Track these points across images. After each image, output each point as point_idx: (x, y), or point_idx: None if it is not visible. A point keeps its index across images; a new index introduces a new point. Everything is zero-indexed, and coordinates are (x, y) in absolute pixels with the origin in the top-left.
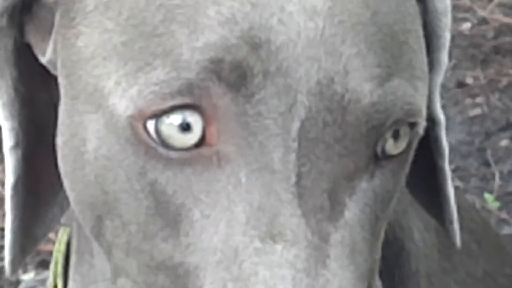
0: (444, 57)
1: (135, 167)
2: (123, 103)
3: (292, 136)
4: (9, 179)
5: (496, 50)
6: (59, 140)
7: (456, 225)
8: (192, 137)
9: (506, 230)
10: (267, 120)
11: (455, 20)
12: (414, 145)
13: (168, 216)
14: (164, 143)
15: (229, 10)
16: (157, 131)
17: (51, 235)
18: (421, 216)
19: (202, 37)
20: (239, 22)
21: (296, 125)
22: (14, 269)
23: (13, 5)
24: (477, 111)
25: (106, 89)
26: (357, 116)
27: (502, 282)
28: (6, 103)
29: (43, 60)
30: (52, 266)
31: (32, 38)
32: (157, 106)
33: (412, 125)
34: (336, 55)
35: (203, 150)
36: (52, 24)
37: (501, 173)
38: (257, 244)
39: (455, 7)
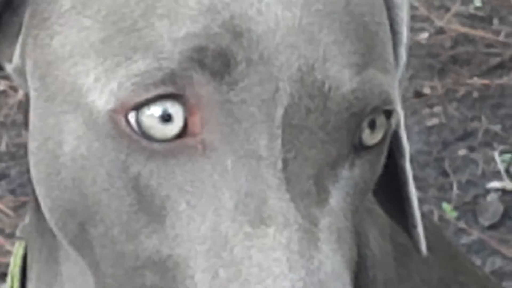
0: (402, 53)
1: (116, 162)
2: (103, 98)
3: (276, 123)
4: None
5: (454, 59)
6: (31, 146)
7: (420, 229)
8: (173, 128)
9: (464, 240)
10: (252, 108)
11: (413, 30)
12: (389, 137)
13: (152, 210)
14: (146, 135)
15: (210, 1)
16: (138, 123)
17: (9, 247)
18: (377, 223)
19: (184, 27)
20: (220, 12)
21: (279, 112)
22: None
23: None
24: (434, 120)
25: (85, 87)
26: (338, 102)
27: None
28: None
29: (9, 67)
30: (9, 280)
31: None
32: (139, 97)
33: (388, 115)
34: (315, 43)
35: (187, 140)
36: (20, 27)
37: (459, 182)
38: (247, 229)
39: (413, 17)
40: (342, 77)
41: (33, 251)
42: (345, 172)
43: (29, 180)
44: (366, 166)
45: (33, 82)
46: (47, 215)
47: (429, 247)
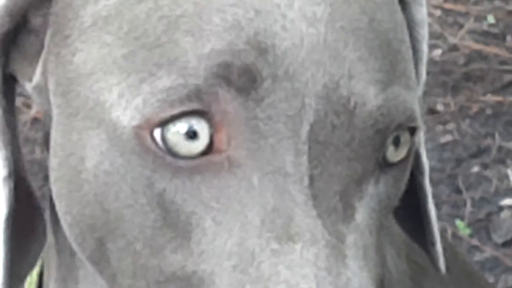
0: (422, 70)
1: (141, 179)
2: (127, 114)
3: (303, 139)
4: (2, 211)
5: (467, 76)
6: (53, 162)
7: (438, 247)
8: (199, 145)
9: (477, 257)
10: (278, 124)
11: None
12: (412, 154)
13: (177, 226)
14: (171, 152)
15: (234, 17)
16: (164, 139)
17: None
18: (393, 241)
19: (209, 44)
20: (245, 28)
21: (305, 128)
22: None
23: (2, 33)
24: (448, 137)
25: (108, 103)
26: (364, 119)
27: None
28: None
29: (29, 86)
30: None
31: (18, 65)
32: (165, 113)
33: (412, 132)
34: (340, 59)
35: (212, 157)
36: (41, 47)
37: (472, 199)
38: (274, 245)
39: None
40: (367, 93)
41: (50, 269)
42: (370, 189)
43: (43, 197)
44: (390, 182)
45: (55, 99)
46: (66, 230)
47: (445, 266)
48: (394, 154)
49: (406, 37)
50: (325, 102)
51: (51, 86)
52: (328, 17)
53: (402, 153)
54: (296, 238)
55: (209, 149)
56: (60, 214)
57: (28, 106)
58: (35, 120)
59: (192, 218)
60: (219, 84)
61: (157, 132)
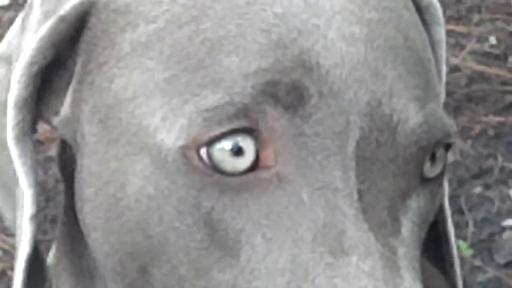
0: (442, 90)
1: (188, 198)
2: (172, 136)
3: (350, 155)
4: (24, 250)
5: (469, 97)
6: (87, 192)
7: (457, 268)
8: (245, 161)
9: (480, 278)
10: (325, 140)
11: None
12: (445, 169)
13: (226, 244)
14: (217, 169)
15: (278, 36)
16: (210, 157)
17: None
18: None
19: (255, 62)
20: (289, 47)
21: (352, 144)
22: None
23: (35, 74)
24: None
25: (152, 127)
26: (406, 136)
27: None
28: (28, 171)
29: (56, 120)
30: None
31: (45, 100)
32: (213, 132)
33: (447, 148)
34: (381, 77)
35: (260, 173)
36: (69, 78)
37: (474, 220)
38: (328, 259)
39: None
40: (408, 111)
41: None
42: (413, 203)
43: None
44: (428, 197)
45: (90, 128)
46: (102, 260)
47: None
48: (430, 170)
49: (432, 57)
50: (369, 119)
51: (84, 115)
52: (366, 37)
53: (438, 168)
54: (350, 251)
55: (256, 165)
56: (94, 244)
57: None
58: (36, 142)
59: (241, 235)
60: (267, 102)
61: (203, 151)
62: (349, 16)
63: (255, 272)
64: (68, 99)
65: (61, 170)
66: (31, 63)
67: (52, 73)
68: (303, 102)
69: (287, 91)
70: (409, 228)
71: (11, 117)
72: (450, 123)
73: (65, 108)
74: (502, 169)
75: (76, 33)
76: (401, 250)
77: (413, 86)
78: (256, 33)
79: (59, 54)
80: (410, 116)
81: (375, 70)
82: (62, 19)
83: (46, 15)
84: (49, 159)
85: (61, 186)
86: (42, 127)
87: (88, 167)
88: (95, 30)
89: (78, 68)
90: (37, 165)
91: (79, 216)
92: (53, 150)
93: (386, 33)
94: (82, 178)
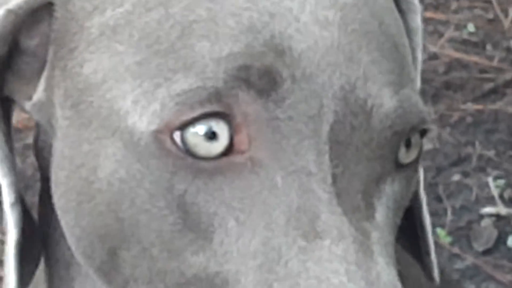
0: (417, 78)
1: (161, 182)
2: (144, 120)
3: (323, 139)
4: (12, 237)
5: (447, 85)
6: (59, 176)
7: (433, 257)
8: (219, 146)
9: (458, 265)
10: (299, 124)
11: None
12: (421, 156)
13: (199, 227)
14: (191, 153)
15: (249, 20)
16: (184, 141)
17: None
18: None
19: (226, 47)
20: (261, 31)
21: (325, 128)
22: None
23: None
24: (428, 146)
25: (123, 110)
26: (381, 120)
27: None
28: (2, 159)
29: (28, 105)
30: None
31: (13, 86)
32: (185, 116)
33: (423, 134)
34: (355, 61)
35: (234, 158)
36: (40, 65)
37: (453, 208)
38: (302, 242)
39: None
40: (383, 95)
41: (38, 284)
42: (387, 188)
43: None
44: (403, 183)
45: (63, 112)
46: (73, 244)
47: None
48: (405, 156)
49: (407, 43)
50: (343, 103)
51: (57, 100)
52: (340, 21)
53: (413, 154)
54: (324, 235)
55: (229, 150)
56: (66, 227)
57: None
58: (14, 130)
59: (215, 219)
60: (239, 87)
61: (176, 135)
62: (323, 0)
63: (228, 255)
64: (41, 85)
65: (37, 156)
66: None
67: (20, 62)
68: (276, 86)
69: (260, 75)
70: (383, 213)
71: None
72: (425, 109)
73: (39, 93)
74: (480, 156)
75: (36, 24)
76: (374, 235)
77: (387, 71)
78: (227, 17)
79: (24, 43)
80: (385, 100)
81: (349, 54)
82: (9, 12)
83: None
84: (27, 146)
85: (38, 174)
86: (20, 115)
87: (61, 150)
88: (63, 19)
89: (50, 55)
90: (15, 153)
91: (54, 200)
92: (31, 138)
93: (360, 18)
94: (55, 161)
